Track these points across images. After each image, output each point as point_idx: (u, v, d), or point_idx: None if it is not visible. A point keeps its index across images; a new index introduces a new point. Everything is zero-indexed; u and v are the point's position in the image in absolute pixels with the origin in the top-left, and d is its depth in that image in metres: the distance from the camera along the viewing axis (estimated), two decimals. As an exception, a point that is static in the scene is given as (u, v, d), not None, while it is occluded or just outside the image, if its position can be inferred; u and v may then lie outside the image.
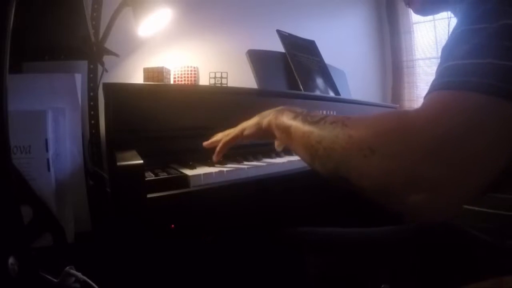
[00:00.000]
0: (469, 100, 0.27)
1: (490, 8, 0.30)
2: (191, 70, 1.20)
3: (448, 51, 0.32)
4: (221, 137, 0.64)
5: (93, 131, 0.91)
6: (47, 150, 0.60)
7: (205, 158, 0.67)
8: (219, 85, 1.17)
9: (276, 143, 0.58)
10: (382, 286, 0.50)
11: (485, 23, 0.30)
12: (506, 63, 0.27)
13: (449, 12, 0.55)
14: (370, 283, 0.53)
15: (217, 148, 0.62)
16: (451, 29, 0.36)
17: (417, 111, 0.29)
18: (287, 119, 0.46)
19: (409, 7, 0.57)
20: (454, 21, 0.44)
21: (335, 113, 1.02)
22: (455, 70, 0.30)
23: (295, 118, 0.45)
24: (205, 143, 0.65)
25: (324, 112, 0.99)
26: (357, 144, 0.31)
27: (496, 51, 0.28)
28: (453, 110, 0.28)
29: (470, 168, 0.27)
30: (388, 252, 0.54)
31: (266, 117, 0.54)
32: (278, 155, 0.81)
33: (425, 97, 0.31)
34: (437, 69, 0.33)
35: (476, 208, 0.45)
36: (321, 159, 0.36)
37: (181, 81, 1.19)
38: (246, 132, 0.59)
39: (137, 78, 1.12)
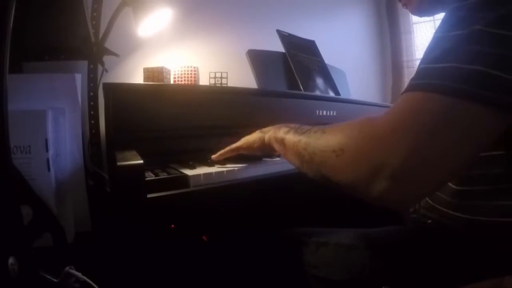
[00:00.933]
0: (430, 101, 0.30)
1: (463, 15, 0.32)
2: (191, 70, 1.20)
3: (425, 55, 0.35)
4: (228, 147, 0.68)
5: (93, 131, 0.90)
6: (47, 150, 0.60)
7: (205, 158, 0.67)
8: (219, 85, 1.17)
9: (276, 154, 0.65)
10: (382, 287, 0.50)
11: (458, 29, 0.32)
12: (469, 67, 0.29)
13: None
14: (370, 284, 0.53)
15: (222, 151, 0.66)
16: None
17: (386, 113, 0.33)
18: (282, 133, 0.53)
19: (406, 8, 0.59)
20: None
21: (335, 113, 1.02)
22: (423, 73, 0.33)
23: (288, 132, 0.51)
24: (213, 157, 0.69)
25: (324, 112, 0.99)
26: (332, 146, 0.36)
27: (462, 55, 0.30)
28: (414, 109, 0.31)
29: (429, 161, 0.30)
30: (388, 253, 0.54)
31: (267, 133, 0.60)
32: (278, 155, 0.81)
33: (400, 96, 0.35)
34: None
35: (470, 217, 0.46)
36: (308, 163, 0.41)
37: (181, 81, 1.19)
38: (249, 145, 0.64)
39: (137, 78, 1.12)
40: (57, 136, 0.64)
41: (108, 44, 0.90)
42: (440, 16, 0.61)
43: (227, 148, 0.67)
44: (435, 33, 0.35)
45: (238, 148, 0.66)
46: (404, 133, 0.30)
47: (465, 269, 0.45)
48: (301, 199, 0.78)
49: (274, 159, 0.74)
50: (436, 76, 0.31)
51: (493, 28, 0.30)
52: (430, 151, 0.30)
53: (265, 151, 0.63)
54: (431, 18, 1.88)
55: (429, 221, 0.54)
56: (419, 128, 0.30)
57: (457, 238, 0.48)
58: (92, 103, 0.91)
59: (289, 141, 0.49)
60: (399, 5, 0.62)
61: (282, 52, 1.08)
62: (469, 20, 0.31)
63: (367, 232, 0.60)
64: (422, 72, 0.33)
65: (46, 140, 0.60)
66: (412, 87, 0.33)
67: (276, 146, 0.55)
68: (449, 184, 0.47)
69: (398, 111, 0.32)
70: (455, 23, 0.33)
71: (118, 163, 0.47)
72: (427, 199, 0.56)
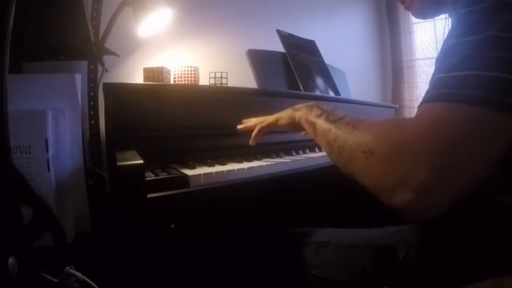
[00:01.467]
0: (455, 111, 0.30)
1: (477, 19, 0.32)
2: (191, 70, 1.20)
3: (440, 64, 0.35)
4: (255, 122, 0.70)
5: (93, 131, 0.90)
6: (47, 150, 0.60)
7: (205, 158, 0.67)
8: (219, 85, 1.17)
9: (302, 133, 0.67)
10: (383, 287, 0.50)
11: (473, 35, 0.32)
12: (491, 74, 0.29)
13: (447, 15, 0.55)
14: (371, 284, 0.53)
15: (253, 133, 0.68)
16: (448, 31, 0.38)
17: (412, 121, 0.33)
18: (314, 116, 0.53)
19: (409, 10, 0.59)
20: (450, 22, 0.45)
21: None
22: (445, 82, 0.32)
23: (320, 115, 0.51)
24: (239, 127, 0.72)
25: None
26: (361, 146, 0.36)
27: (482, 63, 0.30)
28: (441, 121, 0.31)
29: (455, 173, 0.30)
30: (388, 253, 0.54)
31: (298, 111, 0.61)
32: (278, 155, 0.81)
33: (418, 107, 0.34)
34: (430, 80, 0.36)
35: (470, 214, 0.45)
36: (336, 155, 0.41)
37: (181, 81, 1.19)
38: (280, 122, 0.66)
39: (137, 78, 1.12)
40: (57, 136, 0.64)
41: (108, 44, 0.90)
42: (440, 16, 0.61)
43: (258, 128, 0.68)
44: (448, 39, 0.35)
45: (269, 125, 0.67)
46: (432, 146, 0.30)
47: (465, 268, 0.45)
48: (301, 199, 0.78)
49: (275, 159, 0.74)
50: (457, 85, 0.31)
51: (508, 33, 0.30)
52: (458, 162, 0.30)
53: (295, 129, 0.64)
54: (431, 18, 1.88)
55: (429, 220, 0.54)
56: (447, 140, 0.30)
57: (458, 237, 0.48)
58: (92, 103, 0.91)
59: (320, 127, 0.49)
60: (399, 5, 0.62)
61: (282, 52, 1.08)
62: (483, 25, 0.31)
63: (367, 232, 0.60)
64: (442, 81, 0.33)
65: (46, 140, 0.60)
66: (435, 96, 0.32)
67: (307, 127, 0.56)
68: None
69: (425, 122, 0.32)
70: (469, 28, 0.33)
71: (118, 163, 0.47)
72: None
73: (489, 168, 0.31)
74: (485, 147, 0.30)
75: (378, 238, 0.57)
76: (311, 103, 0.58)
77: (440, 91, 0.32)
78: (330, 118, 0.47)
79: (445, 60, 0.34)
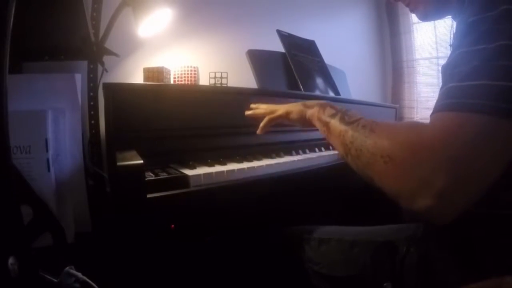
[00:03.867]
0: (467, 121, 0.31)
1: (487, 29, 0.33)
2: (191, 70, 1.20)
3: (450, 73, 0.35)
4: (265, 111, 0.68)
5: (93, 131, 0.90)
6: (47, 150, 0.60)
7: (205, 158, 0.67)
8: (219, 85, 1.17)
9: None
10: (384, 284, 0.50)
11: (483, 44, 0.32)
12: (501, 83, 0.30)
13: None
14: (371, 280, 0.53)
15: (262, 123, 0.67)
16: (449, 30, 0.37)
17: (429, 128, 0.34)
18: (327, 115, 0.52)
19: (413, 13, 0.59)
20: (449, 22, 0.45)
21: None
22: (457, 92, 0.33)
23: (334, 115, 0.51)
24: (247, 113, 0.70)
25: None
26: (380, 151, 0.36)
27: (491, 72, 0.31)
28: (455, 130, 0.32)
29: (471, 179, 0.31)
30: (389, 249, 0.54)
31: (309, 109, 0.60)
32: (278, 155, 0.81)
33: (431, 115, 0.35)
34: (441, 89, 0.36)
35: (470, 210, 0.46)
36: (353, 158, 0.42)
37: (181, 81, 1.19)
38: (290, 116, 0.64)
39: (137, 78, 1.11)
40: (57, 136, 0.64)
41: (108, 44, 0.90)
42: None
43: (267, 118, 0.66)
44: (457, 47, 0.35)
45: (278, 117, 0.66)
46: (449, 154, 0.31)
47: (466, 263, 0.45)
48: (302, 199, 0.78)
49: (274, 160, 0.74)
50: (469, 95, 0.32)
51: None
52: (473, 169, 0.31)
53: (304, 125, 0.64)
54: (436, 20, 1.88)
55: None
56: (461, 148, 0.31)
57: (458, 233, 0.48)
58: (92, 103, 0.91)
59: (334, 128, 0.49)
60: (399, 5, 0.62)
61: (282, 52, 1.08)
62: (493, 34, 0.32)
63: (368, 229, 0.61)
64: (454, 90, 0.34)
65: (46, 140, 0.60)
66: (448, 106, 0.33)
67: (319, 126, 0.55)
68: None
69: (440, 130, 0.33)
70: (479, 37, 0.33)
71: (118, 163, 0.47)
72: None
73: (500, 171, 0.32)
74: (497, 153, 0.31)
75: (379, 235, 0.57)
76: (324, 101, 0.57)
77: (452, 100, 0.33)
78: (346, 119, 0.47)
79: (455, 69, 0.35)
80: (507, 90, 0.30)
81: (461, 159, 0.31)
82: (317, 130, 0.64)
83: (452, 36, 0.43)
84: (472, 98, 0.31)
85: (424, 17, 0.58)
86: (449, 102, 0.33)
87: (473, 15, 0.34)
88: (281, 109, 0.66)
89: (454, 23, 0.50)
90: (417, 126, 0.36)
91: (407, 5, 0.59)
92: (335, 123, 0.49)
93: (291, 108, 0.65)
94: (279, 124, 0.69)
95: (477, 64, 0.32)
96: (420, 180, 0.32)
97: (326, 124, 0.52)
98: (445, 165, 0.31)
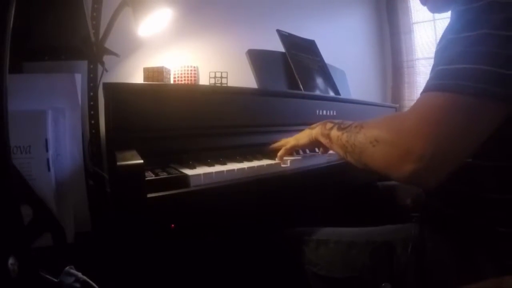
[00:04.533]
0: (449, 100, 0.36)
1: (472, 18, 0.37)
2: (191, 70, 1.20)
3: (439, 56, 0.41)
4: (280, 144, 0.78)
5: (93, 131, 0.90)
6: (47, 150, 0.60)
7: (205, 158, 0.67)
8: (219, 85, 1.17)
9: (320, 150, 0.82)
10: (383, 285, 0.50)
11: (467, 32, 0.37)
12: (479, 67, 0.35)
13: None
14: (370, 281, 0.53)
15: (279, 153, 0.74)
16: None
17: (408, 111, 0.40)
18: (327, 129, 0.61)
19: (425, 5, 0.61)
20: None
21: (335, 113, 1.02)
22: (441, 74, 0.38)
23: (332, 127, 0.59)
24: (271, 146, 0.80)
25: (325, 112, 0.99)
26: (369, 138, 0.44)
27: (473, 57, 0.36)
28: (432, 105, 0.38)
29: (446, 148, 0.37)
30: (388, 250, 0.54)
31: (314, 129, 0.69)
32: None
33: (421, 94, 0.41)
34: (430, 72, 0.42)
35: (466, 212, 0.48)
36: (350, 153, 0.49)
37: (181, 81, 1.19)
38: (300, 142, 0.73)
39: (137, 78, 1.12)
40: (57, 136, 0.64)
41: (108, 44, 0.90)
42: (440, 16, 0.64)
43: (283, 150, 0.74)
44: (447, 33, 0.40)
45: (292, 147, 0.74)
46: (426, 126, 0.37)
47: (463, 262, 0.46)
48: (302, 199, 0.78)
49: (274, 160, 0.74)
50: (452, 76, 0.37)
51: (498, 30, 0.34)
52: (447, 140, 0.36)
53: (314, 146, 0.75)
54: (431, 17, 1.88)
55: (428, 218, 0.55)
56: (439, 123, 0.36)
57: (454, 233, 0.48)
58: (92, 103, 0.91)
59: (333, 136, 0.57)
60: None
61: (282, 52, 1.08)
62: (477, 23, 0.36)
63: (366, 230, 0.61)
64: (440, 73, 0.39)
65: (46, 140, 0.60)
66: (434, 87, 0.38)
67: (323, 140, 0.64)
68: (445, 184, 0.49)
69: (420, 108, 0.39)
70: (464, 25, 0.38)
71: (118, 163, 0.47)
72: (425, 197, 0.58)
73: (477, 145, 0.37)
74: (466, 129, 0.36)
75: (377, 236, 0.58)
76: (325, 120, 0.66)
77: (438, 81, 0.38)
78: (341, 126, 0.55)
79: (443, 53, 0.40)
80: (484, 72, 0.34)
81: (437, 130, 0.36)
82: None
83: None
84: (454, 79, 0.36)
85: (435, 10, 0.61)
86: (435, 83, 0.38)
87: (463, 5, 0.39)
88: (291, 139, 0.76)
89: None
90: (399, 112, 0.47)
91: None
92: (334, 132, 0.57)
93: (300, 135, 0.74)
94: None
95: (461, 50, 0.37)
96: (402, 151, 0.38)
97: (328, 136, 0.60)
98: (423, 136, 0.36)
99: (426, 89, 0.39)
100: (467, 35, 0.36)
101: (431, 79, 0.40)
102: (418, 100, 0.40)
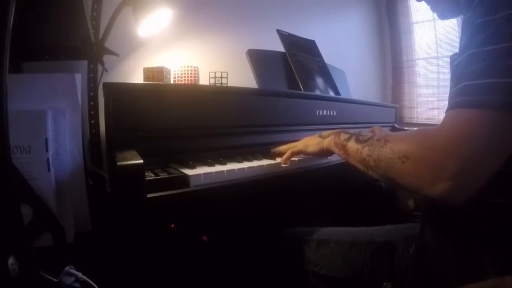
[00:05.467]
0: (478, 116, 0.36)
1: (494, 31, 0.36)
2: (191, 70, 1.20)
3: (461, 72, 0.40)
4: (287, 147, 0.75)
5: (93, 131, 0.90)
6: (47, 150, 0.60)
7: (205, 158, 0.67)
8: (219, 85, 1.17)
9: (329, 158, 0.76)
10: (384, 284, 0.50)
11: (491, 45, 0.36)
12: (509, 81, 0.34)
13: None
14: (371, 281, 0.53)
15: (285, 155, 0.72)
16: (449, 30, 0.40)
17: (441, 126, 0.39)
18: (343, 140, 0.57)
19: (434, 12, 0.63)
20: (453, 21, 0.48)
21: (335, 113, 1.02)
22: (469, 89, 0.37)
23: (349, 138, 0.55)
24: (272, 151, 0.77)
25: (324, 112, 0.99)
26: (397, 154, 0.42)
27: (501, 71, 0.35)
28: (465, 126, 0.37)
29: (476, 166, 0.36)
30: (388, 249, 0.54)
31: (325, 138, 0.65)
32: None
33: (446, 112, 0.40)
34: (452, 87, 0.41)
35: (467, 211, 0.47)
36: (372, 168, 0.47)
37: (181, 81, 1.19)
38: (309, 149, 0.70)
39: (137, 78, 1.12)
40: (57, 136, 0.64)
41: (108, 44, 0.90)
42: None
43: (289, 152, 0.72)
44: (466, 47, 0.39)
45: (298, 151, 0.72)
46: (457, 144, 0.36)
47: (464, 261, 0.46)
48: (302, 199, 0.78)
49: (275, 160, 0.74)
50: (480, 92, 0.36)
51: None
52: (479, 157, 0.36)
53: (323, 155, 0.71)
54: (431, 18, 1.88)
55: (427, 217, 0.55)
56: (468, 138, 0.36)
57: (454, 232, 0.49)
58: (92, 103, 0.91)
59: (351, 148, 0.53)
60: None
61: (282, 52, 1.08)
62: (500, 36, 0.36)
63: (366, 230, 0.61)
64: (466, 89, 0.38)
65: (46, 140, 0.60)
66: (460, 103, 0.38)
67: (336, 151, 0.60)
68: None
69: (449, 126, 0.38)
70: (486, 38, 0.37)
71: (118, 163, 0.47)
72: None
73: (500, 162, 0.37)
74: (502, 144, 0.36)
75: (378, 235, 0.58)
76: (337, 130, 0.63)
77: (464, 98, 0.37)
78: (360, 139, 0.52)
79: (466, 68, 0.38)
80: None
81: (470, 148, 0.36)
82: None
83: (460, 35, 0.45)
84: (483, 94, 0.35)
85: (443, 16, 0.62)
86: (461, 100, 0.37)
87: (481, 17, 0.37)
88: (300, 144, 0.73)
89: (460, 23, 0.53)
90: (427, 128, 0.41)
91: (428, 4, 0.62)
92: (351, 144, 0.54)
93: (308, 141, 0.71)
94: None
95: (487, 64, 0.36)
96: (436, 168, 0.37)
97: (344, 147, 0.56)
98: (455, 154, 0.36)
99: (454, 106, 0.39)
100: (492, 48, 0.36)
101: (457, 95, 0.39)
102: (446, 118, 0.39)
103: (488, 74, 0.35)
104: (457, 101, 0.38)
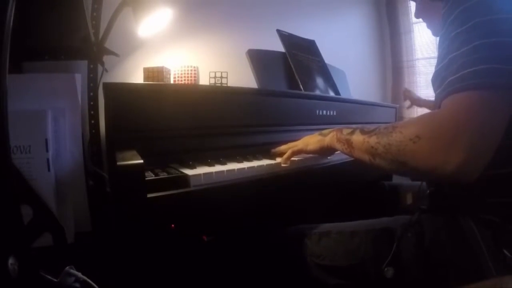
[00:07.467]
0: (473, 96, 0.40)
1: (465, 38, 0.43)
2: (191, 70, 1.20)
3: (444, 75, 0.45)
4: (287, 147, 0.75)
5: (93, 131, 0.90)
6: (47, 150, 0.60)
7: (205, 158, 0.67)
8: (219, 85, 1.17)
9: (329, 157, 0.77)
10: (386, 269, 0.51)
11: (465, 47, 0.42)
12: (482, 66, 0.40)
13: None
14: (373, 267, 0.54)
15: (286, 155, 0.71)
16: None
17: (444, 109, 0.43)
18: (346, 134, 0.58)
19: (429, 29, 0.68)
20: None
21: (335, 113, 1.02)
22: (455, 80, 0.42)
23: (352, 132, 0.56)
24: (273, 151, 0.77)
25: (325, 111, 0.99)
26: (408, 136, 0.43)
27: (475, 62, 0.41)
28: (467, 102, 0.41)
29: (485, 137, 0.40)
30: (388, 235, 0.56)
31: (326, 136, 0.66)
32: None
33: (442, 102, 0.44)
34: (437, 90, 0.47)
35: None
36: (381, 155, 0.47)
37: (181, 81, 1.19)
38: (309, 148, 0.70)
39: (137, 78, 1.12)
40: (57, 136, 0.64)
41: (108, 44, 0.90)
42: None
43: (290, 152, 0.71)
44: (446, 55, 0.45)
45: (299, 150, 0.71)
46: (465, 119, 0.40)
47: (460, 244, 0.48)
48: (302, 198, 0.78)
49: (274, 159, 0.74)
50: (466, 78, 0.41)
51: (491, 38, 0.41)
52: (485, 127, 0.40)
53: (324, 154, 0.71)
54: (431, 18, 1.88)
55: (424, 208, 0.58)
56: (474, 114, 0.40)
57: (450, 215, 0.51)
58: (92, 103, 0.91)
59: (356, 140, 0.54)
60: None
61: (282, 52, 1.08)
62: (470, 39, 0.42)
63: (366, 221, 0.62)
64: (452, 81, 0.42)
65: (46, 140, 0.60)
66: (454, 90, 0.42)
67: (339, 146, 0.60)
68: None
69: (453, 106, 0.42)
70: (460, 44, 0.43)
71: (118, 163, 0.47)
72: (424, 189, 0.61)
73: (504, 128, 0.41)
74: (499, 119, 0.40)
75: (377, 224, 0.60)
76: (338, 127, 0.63)
77: (455, 86, 0.42)
78: (365, 130, 0.52)
79: (448, 69, 0.44)
80: (488, 69, 0.40)
81: (478, 121, 0.39)
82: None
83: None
84: (468, 80, 0.41)
85: (436, 34, 0.67)
86: (455, 87, 0.42)
87: (454, 31, 0.45)
88: (300, 143, 0.73)
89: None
90: (432, 112, 0.45)
91: (425, 22, 0.68)
92: (356, 136, 0.54)
93: (309, 140, 0.71)
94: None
95: (464, 60, 0.42)
96: (449, 143, 0.39)
97: (347, 141, 0.56)
98: (467, 127, 0.39)
99: (448, 94, 0.43)
100: (464, 49, 0.43)
101: (444, 88, 0.43)
102: (447, 103, 0.43)
103: (467, 66, 0.41)
104: (450, 89, 0.42)
